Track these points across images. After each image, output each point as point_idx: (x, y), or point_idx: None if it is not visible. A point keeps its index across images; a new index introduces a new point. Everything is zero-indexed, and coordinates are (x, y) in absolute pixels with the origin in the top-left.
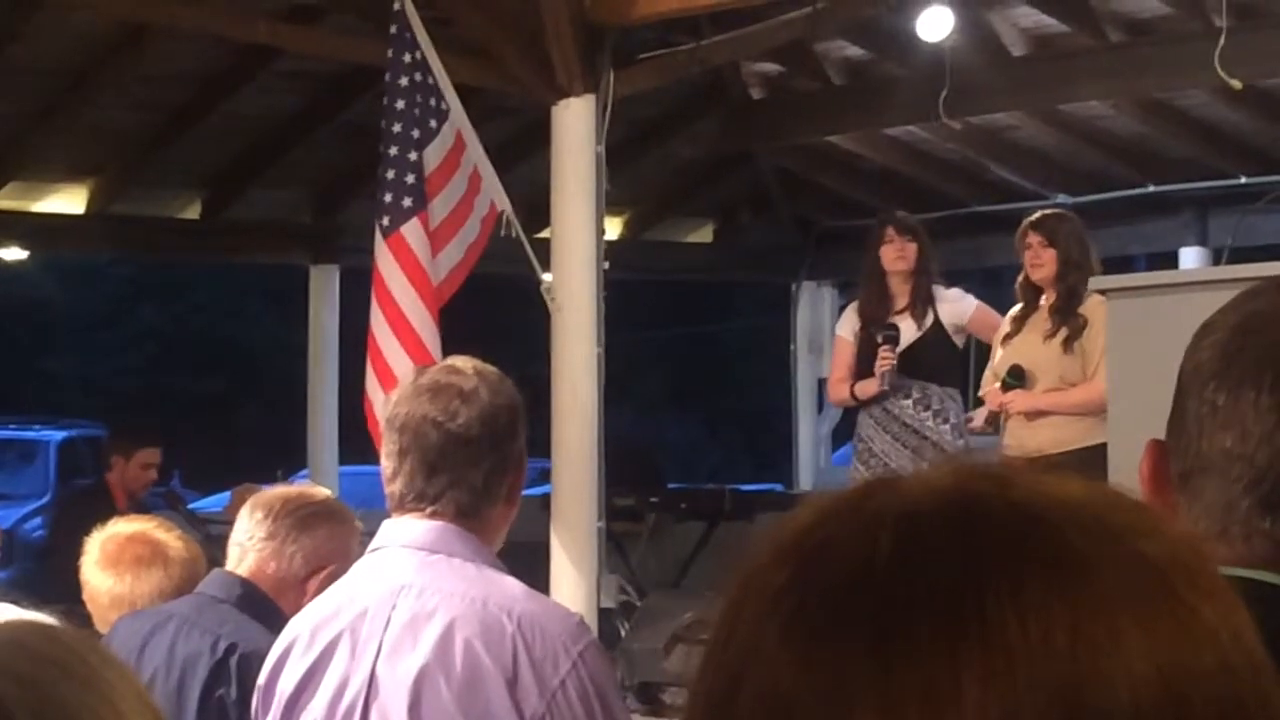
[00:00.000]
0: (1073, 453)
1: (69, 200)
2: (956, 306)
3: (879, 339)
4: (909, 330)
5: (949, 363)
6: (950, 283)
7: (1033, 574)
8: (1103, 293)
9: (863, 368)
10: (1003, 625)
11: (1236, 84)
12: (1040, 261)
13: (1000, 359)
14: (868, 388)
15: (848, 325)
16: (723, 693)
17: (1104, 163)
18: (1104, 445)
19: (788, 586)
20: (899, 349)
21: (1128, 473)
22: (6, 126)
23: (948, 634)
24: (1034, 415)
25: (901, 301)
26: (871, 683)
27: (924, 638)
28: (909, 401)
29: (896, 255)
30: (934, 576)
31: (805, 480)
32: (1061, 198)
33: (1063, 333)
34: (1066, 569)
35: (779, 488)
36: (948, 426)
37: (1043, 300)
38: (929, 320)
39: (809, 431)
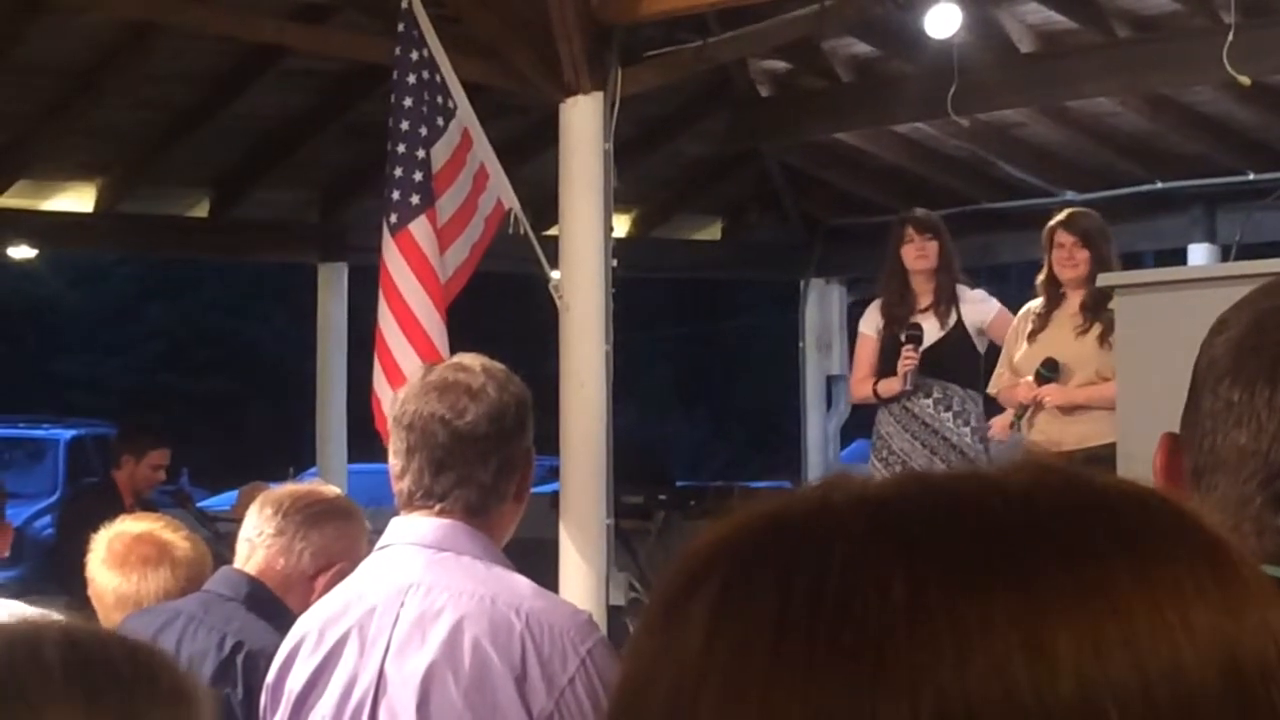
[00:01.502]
0: (1106, 447)
1: (77, 199)
2: (979, 308)
3: (902, 338)
4: (932, 330)
5: (970, 364)
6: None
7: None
8: (1112, 289)
9: (885, 365)
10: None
11: (1245, 80)
12: (1074, 261)
13: (1026, 354)
14: (891, 386)
15: (870, 323)
16: (636, 684)
17: (1112, 159)
18: None
19: (713, 576)
20: (921, 348)
21: (1136, 467)
22: (15, 126)
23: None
24: (1069, 410)
25: (925, 300)
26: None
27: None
28: (929, 401)
29: (917, 254)
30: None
31: (813, 477)
32: (1069, 194)
33: (1096, 328)
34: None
35: (787, 485)
36: (968, 429)
37: (1067, 296)
38: (952, 320)
39: (817, 429)
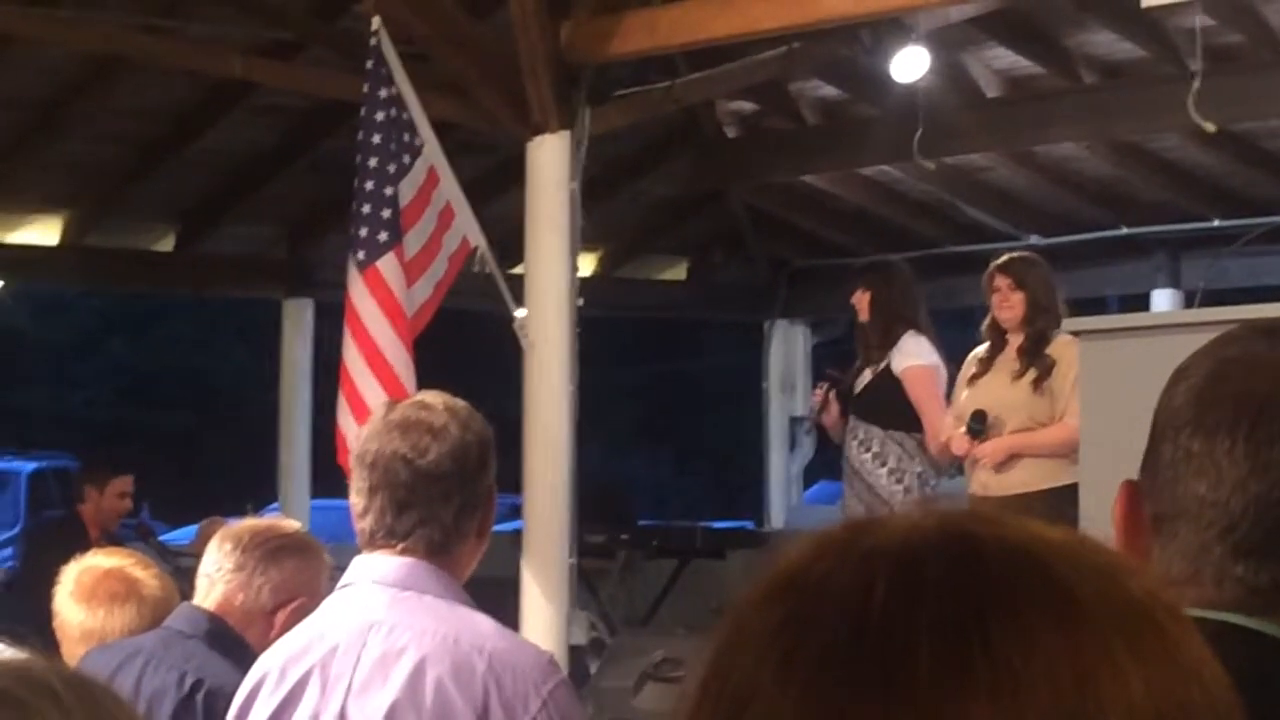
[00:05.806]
0: (1040, 494)
1: (42, 232)
2: (900, 358)
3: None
4: (866, 374)
5: (896, 409)
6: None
7: (1030, 607)
8: (1075, 334)
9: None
10: (1006, 654)
11: (1210, 127)
12: (1009, 304)
13: (964, 402)
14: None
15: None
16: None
17: (1077, 204)
18: (1072, 486)
19: (784, 625)
20: (855, 391)
21: (1099, 514)
22: None
23: (952, 663)
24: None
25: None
26: (877, 714)
27: (928, 668)
28: (855, 443)
29: (857, 304)
30: (933, 610)
31: (776, 518)
32: (1034, 239)
33: (1031, 373)
34: (1062, 602)
35: (750, 525)
36: (884, 470)
37: (1010, 341)
38: (882, 366)
39: (780, 469)
